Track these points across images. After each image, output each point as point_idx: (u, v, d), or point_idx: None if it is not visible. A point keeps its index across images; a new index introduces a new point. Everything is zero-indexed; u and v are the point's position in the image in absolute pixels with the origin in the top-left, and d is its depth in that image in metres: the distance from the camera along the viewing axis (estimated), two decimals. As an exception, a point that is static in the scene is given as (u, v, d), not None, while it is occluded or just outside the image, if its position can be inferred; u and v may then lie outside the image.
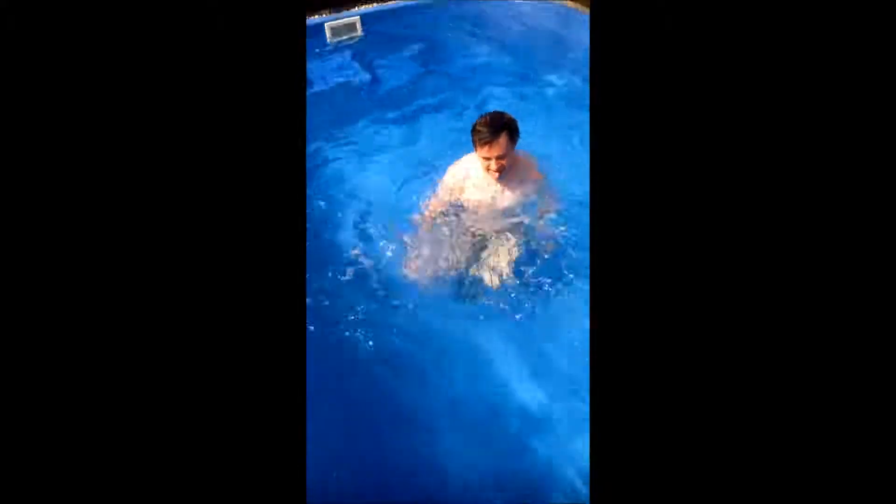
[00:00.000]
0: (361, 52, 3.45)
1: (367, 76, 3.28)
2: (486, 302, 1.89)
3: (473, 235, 2.00)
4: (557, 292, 1.89)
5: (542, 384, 1.73)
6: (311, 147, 2.50)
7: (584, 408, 1.53)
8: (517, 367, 1.78)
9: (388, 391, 1.76)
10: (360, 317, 1.87)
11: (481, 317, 1.87)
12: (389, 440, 1.66)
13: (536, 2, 3.74)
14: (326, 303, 1.90)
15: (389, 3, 3.80)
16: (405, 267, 1.96)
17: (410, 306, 1.90)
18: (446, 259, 1.96)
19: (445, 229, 2.00)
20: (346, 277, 1.97)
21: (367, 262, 2.01)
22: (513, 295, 1.89)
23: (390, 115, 2.92)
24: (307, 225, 1.95)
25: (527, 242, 1.99)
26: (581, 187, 2.00)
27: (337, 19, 3.48)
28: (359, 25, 3.51)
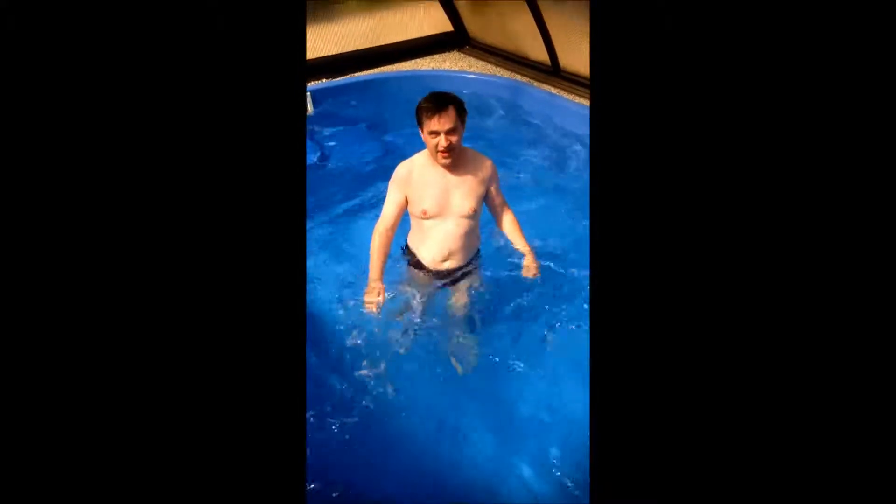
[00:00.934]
0: (314, 128, 3.38)
1: (316, 153, 3.19)
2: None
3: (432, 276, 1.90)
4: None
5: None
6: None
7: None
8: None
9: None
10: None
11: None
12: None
13: (487, 76, 3.83)
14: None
15: (338, 79, 3.80)
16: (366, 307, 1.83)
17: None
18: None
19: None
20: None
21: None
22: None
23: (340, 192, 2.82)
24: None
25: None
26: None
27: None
28: (309, 103, 3.46)
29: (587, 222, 2.07)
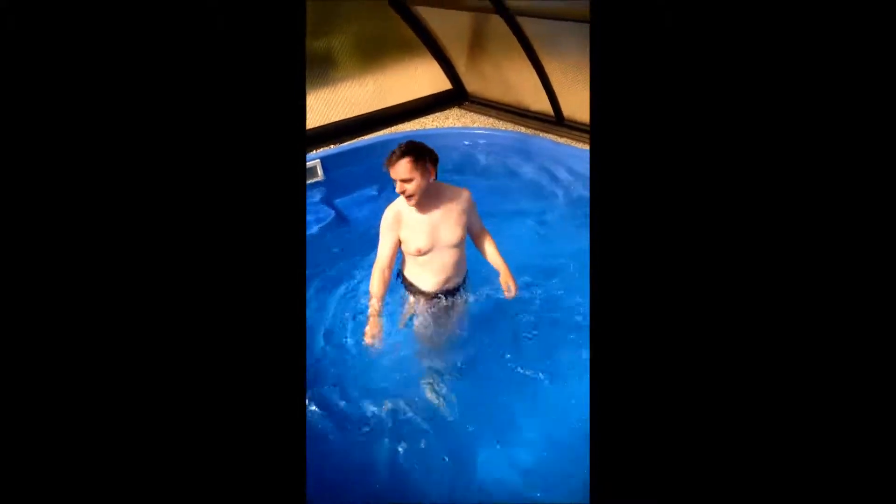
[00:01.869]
0: (325, 195, 3.38)
1: (330, 219, 3.18)
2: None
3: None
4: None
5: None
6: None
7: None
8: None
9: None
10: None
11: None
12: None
13: (492, 130, 3.89)
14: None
15: (346, 144, 3.85)
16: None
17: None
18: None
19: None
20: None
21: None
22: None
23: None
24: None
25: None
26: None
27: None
28: (319, 170, 3.48)
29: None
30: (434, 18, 4.13)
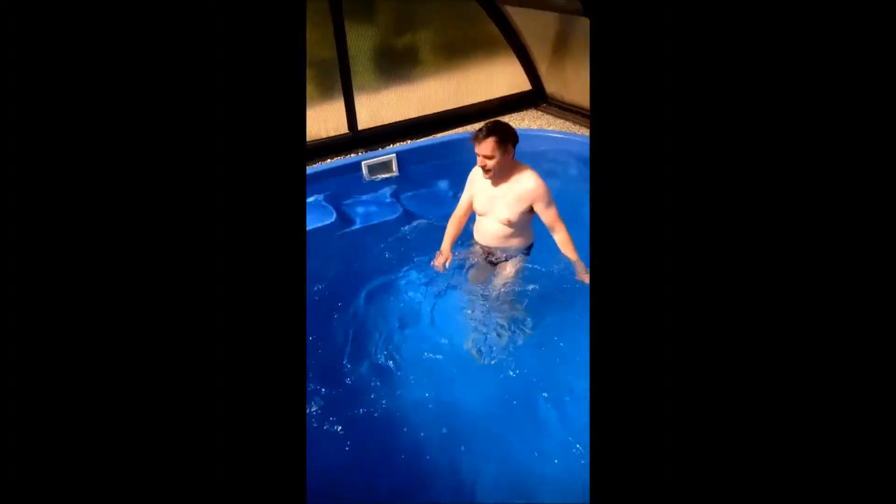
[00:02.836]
0: (399, 188, 3.48)
1: (402, 213, 3.26)
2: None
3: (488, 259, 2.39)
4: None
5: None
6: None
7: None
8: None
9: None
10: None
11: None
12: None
13: (568, 134, 3.83)
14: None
15: (421, 140, 3.93)
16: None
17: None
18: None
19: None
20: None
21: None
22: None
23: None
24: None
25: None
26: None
27: (374, 157, 3.57)
28: (394, 164, 3.58)
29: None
30: (521, 17, 4.10)
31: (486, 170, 2.12)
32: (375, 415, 1.95)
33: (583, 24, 3.61)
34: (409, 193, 3.45)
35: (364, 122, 3.96)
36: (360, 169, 3.52)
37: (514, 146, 2.11)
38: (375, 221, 3.19)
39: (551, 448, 1.78)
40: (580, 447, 1.74)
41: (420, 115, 4.15)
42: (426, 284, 2.53)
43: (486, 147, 2.06)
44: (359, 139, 3.93)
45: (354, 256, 2.85)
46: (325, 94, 3.76)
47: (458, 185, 3.67)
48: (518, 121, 4.25)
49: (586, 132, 3.90)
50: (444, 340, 2.27)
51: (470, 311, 2.33)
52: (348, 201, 3.33)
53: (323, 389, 2.00)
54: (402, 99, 4.10)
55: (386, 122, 4.05)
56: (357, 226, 3.16)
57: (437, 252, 2.40)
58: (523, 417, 1.92)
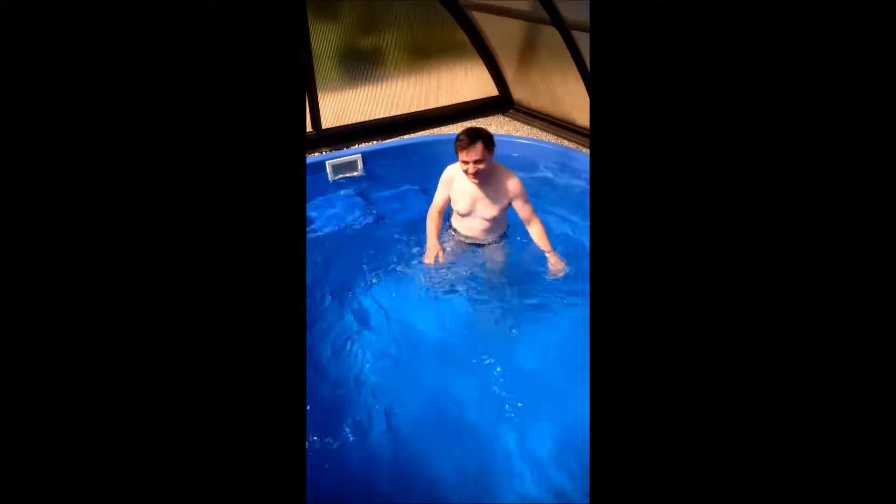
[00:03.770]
0: (363, 189, 3.40)
1: (370, 213, 3.18)
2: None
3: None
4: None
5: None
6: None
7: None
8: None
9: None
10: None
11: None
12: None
13: (536, 141, 3.85)
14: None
15: (387, 141, 3.87)
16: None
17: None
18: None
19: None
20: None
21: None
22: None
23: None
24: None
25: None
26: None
27: (338, 157, 3.48)
28: (360, 164, 3.50)
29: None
30: (487, 24, 4.12)
31: (475, 174, 2.16)
32: (370, 415, 1.89)
33: (549, 33, 3.65)
34: (374, 194, 3.38)
35: (328, 121, 3.87)
36: (324, 169, 3.42)
37: (494, 148, 2.19)
38: (340, 221, 3.10)
39: (551, 447, 1.77)
40: (580, 446, 1.74)
41: (387, 115, 4.10)
42: (398, 283, 2.48)
43: (476, 152, 2.11)
44: (323, 138, 3.83)
45: (321, 257, 2.75)
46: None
47: (425, 185, 3.67)
48: (485, 126, 4.26)
49: (552, 139, 3.94)
50: (421, 334, 2.25)
51: (467, 292, 2.39)
52: (312, 201, 3.22)
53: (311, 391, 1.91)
54: (368, 99, 4.04)
55: (351, 121, 3.97)
56: (322, 226, 3.06)
57: (427, 250, 2.42)
58: (523, 416, 1.90)
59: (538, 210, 2.43)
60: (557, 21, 3.50)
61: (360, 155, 3.52)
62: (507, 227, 2.52)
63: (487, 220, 2.35)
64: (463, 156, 2.13)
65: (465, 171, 2.17)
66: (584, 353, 2.05)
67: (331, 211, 3.18)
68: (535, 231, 2.36)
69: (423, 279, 2.41)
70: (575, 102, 3.92)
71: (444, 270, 2.41)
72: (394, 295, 2.45)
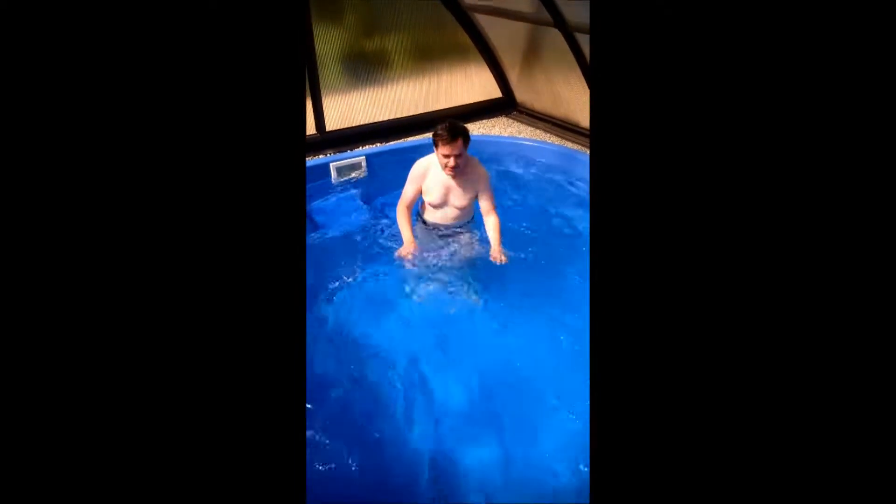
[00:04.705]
0: (367, 191, 3.42)
1: (371, 215, 3.20)
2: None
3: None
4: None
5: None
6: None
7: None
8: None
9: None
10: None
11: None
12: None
13: (540, 143, 3.86)
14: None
15: (392, 143, 3.89)
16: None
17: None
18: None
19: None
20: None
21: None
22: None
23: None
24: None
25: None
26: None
27: (342, 159, 3.50)
28: (363, 165, 3.52)
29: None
30: (492, 26, 4.13)
31: (453, 167, 2.28)
32: (366, 415, 1.90)
33: (553, 35, 3.66)
34: (378, 195, 3.40)
35: (333, 123, 3.89)
36: (328, 171, 3.44)
37: (469, 142, 2.33)
38: (344, 223, 3.12)
39: (550, 446, 1.77)
40: (579, 446, 1.74)
41: (391, 118, 4.11)
42: (401, 280, 2.51)
43: (457, 147, 2.24)
44: (327, 140, 3.85)
45: (325, 258, 2.77)
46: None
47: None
48: (489, 128, 4.27)
49: (556, 140, 3.95)
50: (427, 330, 2.27)
51: (448, 279, 2.46)
52: (316, 203, 3.25)
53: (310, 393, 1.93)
54: (372, 102, 4.06)
55: (355, 123, 4.00)
56: (326, 228, 3.08)
57: (404, 245, 2.48)
58: (521, 414, 1.91)
59: (546, 210, 2.46)
60: (560, 23, 3.51)
61: (364, 157, 3.54)
62: (474, 214, 2.66)
63: (458, 209, 2.51)
64: (444, 150, 2.24)
65: (444, 165, 2.29)
66: (577, 341, 2.08)
67: (334, 212, 3.20)
68: (492, 223, 2.49)
69: (410, 269, 2.46)
70: (578, 104, 3.92)
71: (427, 256, 2.51)
72: (395, 295, 2.47)
